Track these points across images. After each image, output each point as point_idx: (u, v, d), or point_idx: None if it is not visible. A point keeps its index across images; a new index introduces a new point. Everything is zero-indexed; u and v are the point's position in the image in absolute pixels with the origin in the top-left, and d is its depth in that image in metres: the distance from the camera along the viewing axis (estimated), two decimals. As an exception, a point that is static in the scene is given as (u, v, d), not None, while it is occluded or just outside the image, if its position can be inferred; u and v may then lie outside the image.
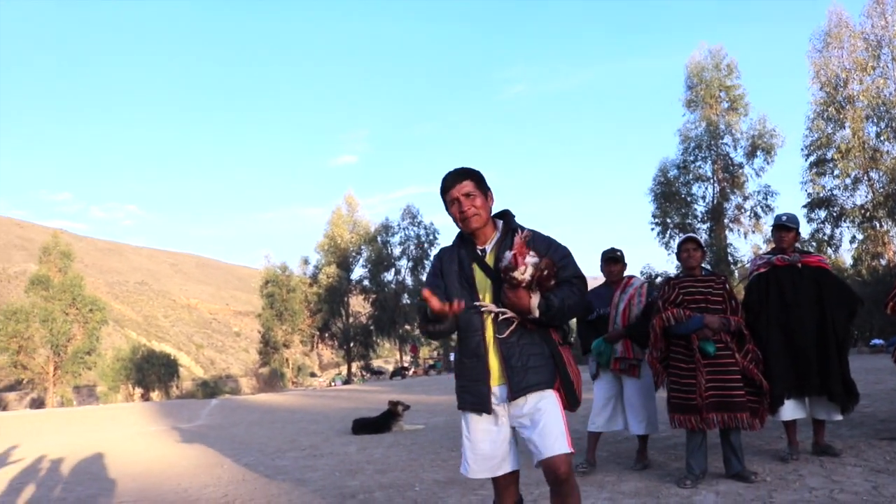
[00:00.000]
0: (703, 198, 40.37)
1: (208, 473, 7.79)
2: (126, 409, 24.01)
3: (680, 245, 5.64)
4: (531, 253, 3.01)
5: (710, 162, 39.56)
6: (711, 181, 39.91)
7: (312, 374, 68.10)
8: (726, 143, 39.40)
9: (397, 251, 58.52)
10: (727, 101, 39.39)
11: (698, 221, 39.77)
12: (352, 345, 58.39)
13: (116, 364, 48.16)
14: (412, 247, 57.97)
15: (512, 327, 3.10)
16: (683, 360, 5.36)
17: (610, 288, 6.32)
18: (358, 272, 59.25)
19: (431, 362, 56.12)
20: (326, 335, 60.23)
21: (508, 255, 3.04)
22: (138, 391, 47.60)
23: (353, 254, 58.46)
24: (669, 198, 39.42)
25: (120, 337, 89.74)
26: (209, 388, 50.83)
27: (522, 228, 3.20)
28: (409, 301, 57.40)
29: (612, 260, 6.28)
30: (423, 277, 56.27)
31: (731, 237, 40.21)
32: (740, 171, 39.36)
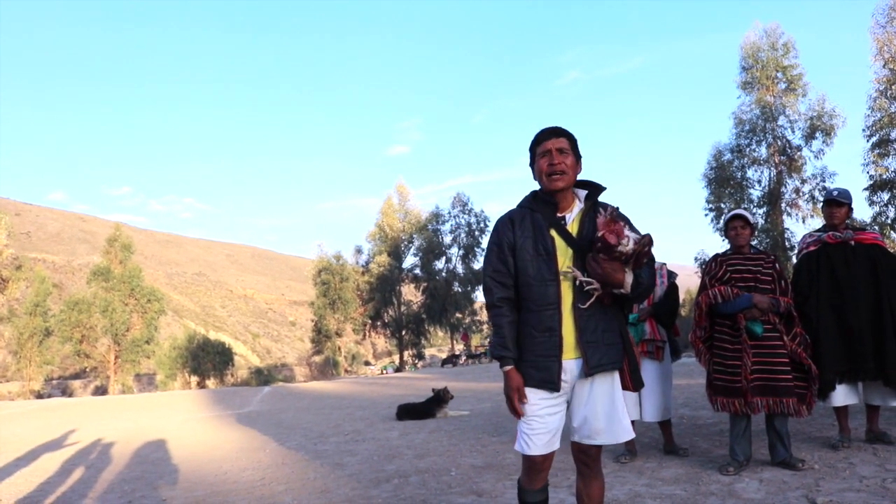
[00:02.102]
0: (759, 182, 39.30)
1: (250, 457, 7.83)
2: (181, 396, 24.47)
3: (727, 222, 5.41)
4: (632, 228, 2.94)
5: (765, 145, 38.49)
6: (767, 165, 38.84)
7: (366, 363, 68.65)
8: (783, 126, 38.26)
9: (448, 239, 58.42)
10: (784, 81, 38.18)
11: (754, 206, 38.73)
12: (403, 333, 58.59)
13: (173, 352, 49.19)
14: (463, 235, 57.80)
15: (592, 299, 2.96)
16: (729, 340, 5.17)
17: None
18: (409, 261, 59.33)
19: (483, 350, 56.03)
20: (378, 324, 60.53)
21: (601, 223, 2.90)
22: (194, 379, 48.55)
23: (405, 242, 58.56)
24: (724, 183, 38.47)
25: (179, 327, 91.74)
26: (263, 376, 51.58)
27: (607, 205, 3.03)
28: (459, 289, 57.35)
29: None
30: (475, 266, 56.55)
31: (789, 222, 39.08)
32: (798, 153, 38.17)
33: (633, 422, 5.92)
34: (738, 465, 5.06)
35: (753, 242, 5.56)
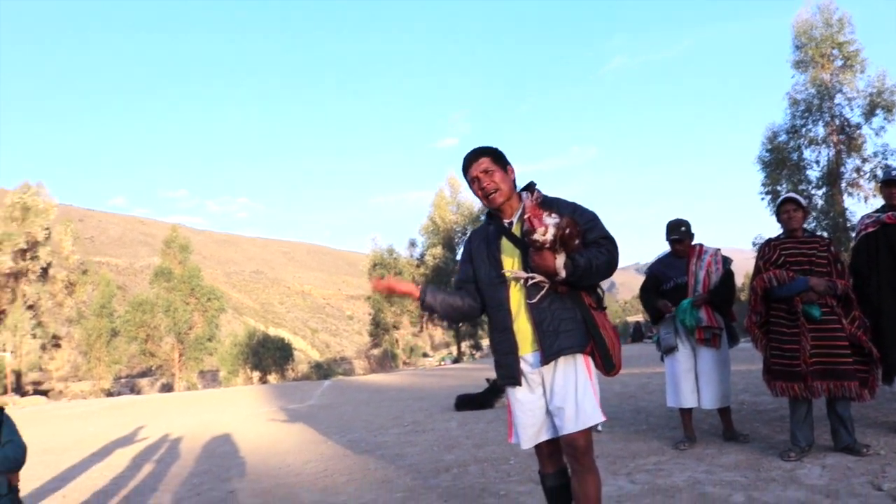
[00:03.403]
0: (817, 162, 38.17)
1: (312, 450, 8.01)
2: (244, 392, 24.99)
3: (779, 206, 5.33)
4: (552, 215, 2.98)
5: (822, 124, 37.42)
6: (825, 144, 37.77)
7: (424, 355, 68.93)
8: (840, 104, 37.13)
9: (500, 230, 58.38)
10: (841, 58, 37.01)
11: (812, 187, 37.69)
12: (460, 324, 58.71)
13: (234, 349, 50.18)
14: (515, 225, 57.74)
15: (542, 292, 3.10)
16: (786, 324, 5.09)
17: (678, 258, 6.07)
18: (461, 252, 59.44)
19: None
20: (435, 316, 60.69)
21: (527, 206, 3.08)
22: (256, 374, 49.47)
23: (458, 234, 58.62)
24: (780, 164, 37.53)
25: (239, 324, 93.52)
26: (323, 370, 52.34)
27: (533, 192, 3.24)
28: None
29: (678, 240, 6.02)
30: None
31: (850, 202, 37.92)
32: (857, 131, 37.03)
33: (690, 409, 5.92)
34: (800, 451, 5.01)
35: (812, 225, 5.46)
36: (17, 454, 2.67)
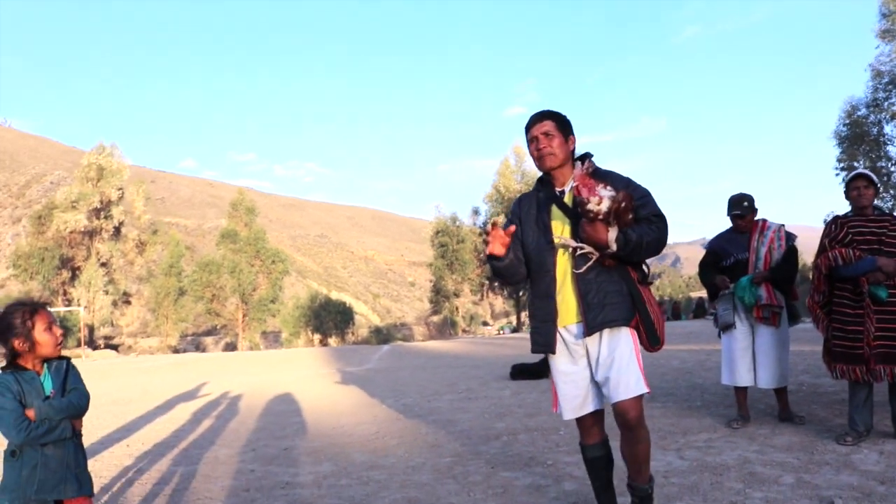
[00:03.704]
0: (899, 138, 36.79)
1: (366, 412, 8.15)
2: (304, 353, 25.50)
3: (849, 182, 5.14)
4: (607, 187, 2.97)
5: (907, 98, 35.86)
6: (909, 119, 36.23)
7: (484, 323, 69.17)
8: (928, 76, 35.50)
9: (565, 200, 57.83)
10: (931, 28, 35.36)
11: (892, 164, 36.30)
12: (521, 294, 58.62)
13: (296, 312, 51.14)
14: (578, 195, 57.11)
15: (590, 263, 3.09)
16: (850, 305, 4.94)
17: (739, 233, 5.90)
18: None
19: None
20: (496, 284, 60.75)
21: (576, 175, 3.09)
22: (317, 337, 50.39)
23: (524, 203, 58.36)
24: (857, 140, 36.16)
25: (302, 287, 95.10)
26: (382, 335, 52.97)
27: (585, 160, 3.21)
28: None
29: (739, 216, 5.84)
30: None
31: (932, 180, 36.50)
32: (944, 106, 35.43)
33: (746, 388, 5.81)
34: (858, 436, 4.88)
35: (890, 203, 5.26)
36: (80, 402, 2.80)
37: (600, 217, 2.96)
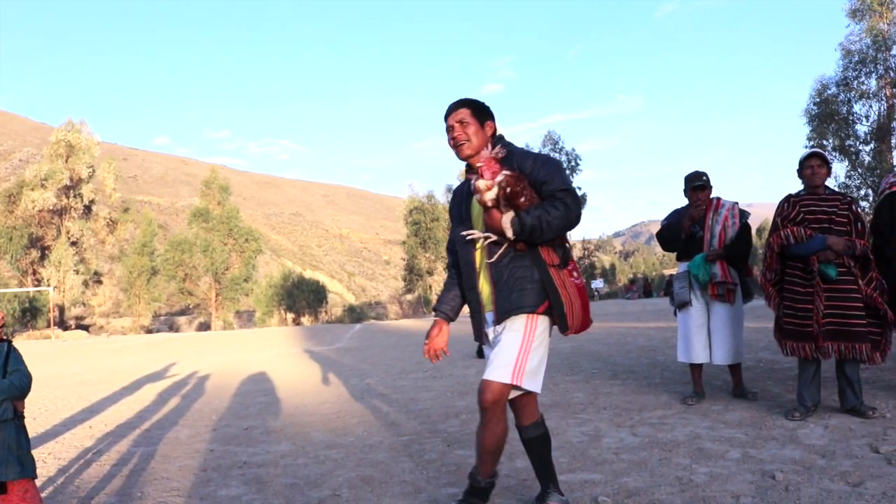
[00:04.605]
0: (867, 117, 37.01)
1: (330, 391, 8.18)
2: (276, 333, 25.48)
3: (803, 161, 5.18)
4: (502, 171, 2.97)
5: (875, 77, 36.16)
6: (877, 98, 36.56)
7: (457, 302, 69.11)
8: (896, 56, 35.83)
9: (540, 178, 57.82)
10: (900, 7, 35.62)
11: (860, 143, 36.63)
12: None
13: (269, 291, 50.91)
14: (554, 174, 57.15)
15: (500, 251, 3.09)
16: (800, 283, 5.03)
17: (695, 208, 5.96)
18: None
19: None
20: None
21: (483, 158, 3.06)
22: (290, 316, 50.25)
23: (496, 182, 58.34)
24: (827, 118, 36.47)
25: (277, 266, 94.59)
26: (355, 314, 52.87)
27: (502, 148, 3.14)
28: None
29: (700, 188, 5.90)
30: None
31: (899, 159, 36.94)
32: (912, 85, 35.79)
33: (701, 365, 5.90)
34: (806, 411, 5.00)
35: (858, 181, 5.33)
36: (22, 383, 2.80)
37: (490, 204, 2.97)
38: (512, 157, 3.15)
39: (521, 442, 3.42)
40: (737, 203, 5.91)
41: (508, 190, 2.93)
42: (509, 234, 2.97)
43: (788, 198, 5.27)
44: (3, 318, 2.80)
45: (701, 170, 6.03)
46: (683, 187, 6.01)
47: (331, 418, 6.43)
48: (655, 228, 6.55)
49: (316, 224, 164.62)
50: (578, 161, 56.58)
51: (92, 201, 51.29)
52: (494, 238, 3.08)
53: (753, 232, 5.65)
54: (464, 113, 3.24)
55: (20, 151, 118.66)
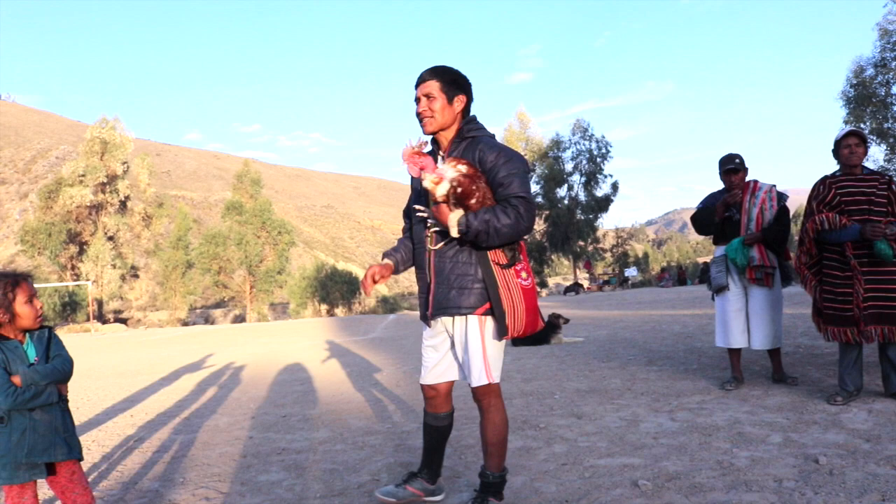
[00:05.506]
0: (906, 98, 36.34)
1: (367, 379, 8.22)
2: (311, 324, 25.66)
3: (839, 140, 5.03)
4: (458, 165, 2.87)
5: (915, 57, 35.36)
6: (917, 79, 35.76)
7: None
8: (937, 35, 34.94)
9: (569, 167, 57.53)
10: (939, -16, 34.74)
11: (899, 124, 35.94)
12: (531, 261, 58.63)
13: (302, 283, 51.32)
14: (584, 162, 56.78)
15: (444, 241, 3.03)
16: (839, 267, 4.93)
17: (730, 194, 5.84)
18: (531, 189, 58.84)
19: (606, 278, 55.61)
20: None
21: (403, 153, 2.97)
22: (324, 307, 50.60)
23: (526, 171, 58.02)
24: (865, 101, 35.78)
25: (310, 258, 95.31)
26: (389, 305, 53.12)
27: (477, 130, 3.11)
28: (582, 217, 56.71)
29: (733, 170, 5.79)
30: (597, 193, 55.63)
31: (938, 140, 36.14)
32: (953, 65, 34.92)
33: (739, 350, 5.83)
34: (848, 396, 4.92)
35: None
36: (64, 367, 2.87)
37: (439, 199, 2.86)
38: (476, 144, 3.05)
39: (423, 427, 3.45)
40: (774, 186, 5.81)
41: (460, 190, 2.84)
42: (453, 232, 2.88)
43: (824, 179, 5.14)
44: (41, 308, 2.86)
45: (735, 153, 5.94)
46: (718, 171, 5.92)
47: (367, 406, 6.47)
48: (688, 216, 6.46)
49: (347, 216, 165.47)
50: (609, 149, 56.25)
51: (127, 197, 52.09)
52: (440, 227, 3.00)
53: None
54: (432, 86, 3.07)
55: (57, 149, 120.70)
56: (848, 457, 3.68)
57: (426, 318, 3.20)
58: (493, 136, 3.17)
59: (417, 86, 3.12)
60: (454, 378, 3.26)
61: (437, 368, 3.25)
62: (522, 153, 57.83)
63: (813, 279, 5.11)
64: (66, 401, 2.93)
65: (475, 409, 3.35)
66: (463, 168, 2.87)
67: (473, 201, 2.86)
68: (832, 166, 5.20)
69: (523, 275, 3.06)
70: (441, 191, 2.84)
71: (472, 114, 3.22)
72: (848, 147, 4.97)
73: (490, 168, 2.95)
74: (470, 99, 3.17)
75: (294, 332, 20.72)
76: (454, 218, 2.85)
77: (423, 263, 3.16)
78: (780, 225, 5.67)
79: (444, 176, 2.84)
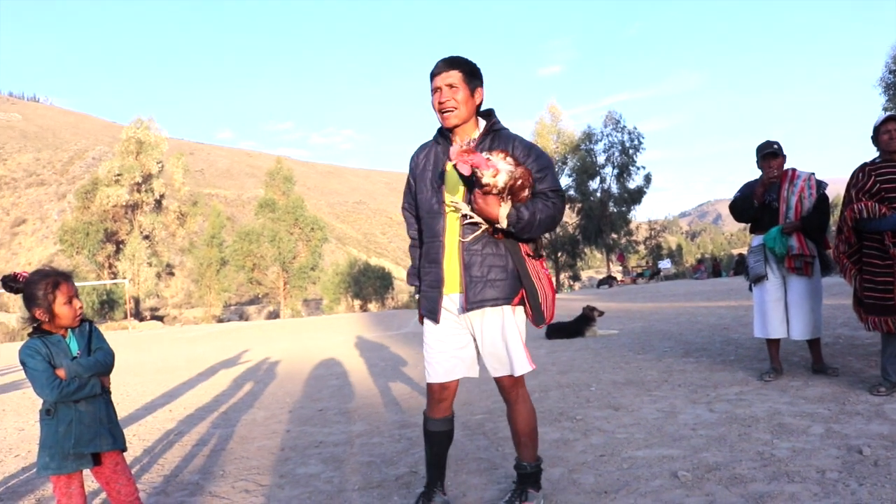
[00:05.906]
0: (947, 84, 35.55)
1: (401, 374, 8.26)
2: (344, 319, 25.81)
3: (878, 126, 4.92)
4: (507, 158, 2.83)
5: (955, 41, 34.53)
6: (957, 64, 34.97)
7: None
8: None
9: (601, 159, 57.05)
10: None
11: (940, 111, 35.13)
12: (559, 255, 58.39)
13: (336, 278, 51.66)
14: (616, 154, 56.23)
15: (477, 233, 2.97)
16: (879, 255, 4.83)
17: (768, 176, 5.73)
18: (563, 182, 58.40)
19: (639, 271, 55.14)
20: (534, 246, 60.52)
21: (453, 153, 2.84)
22: (357, 303, 50.87)
23: (558, 164, 57.74)
24: (904, 86, 35.13)
25: (342, 254, 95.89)
26: (422, 300, 53.26)
27: (500, 133, 3.05)
28: (615, 209, 56.26)
29: (772, 155, 5.66)
30: (630, 185, 55.19)
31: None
32: None
33: (778, 340, 5.74)
34: (891, 386, 4.82)
35: None
36: (106, 359, 2.92)
37: (494, 191, 2.83)
38: (507, 138, 3.02)
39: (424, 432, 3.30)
40: (813, 174, 5.70)
41: (519, 182, 2.83)
42: (504, 224, 2.86)
43: (863, 166, 5.04)
44: (81, 307, 2.91)
45: (773, 139, 5.85)
46: (756, 158, 5.83)
47: (403, 399, 6.50)
48: (722, 207, 6.40)
49: (379, 212, 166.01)
50: (641, 140, 55.67)
51: (162, 195, 52.78)
52: (478, 219, 2.94)
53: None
54: (455, 76, 2.98)
55: (93, 150, 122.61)
56: (893, 448, 3.61)
57: (434, 315, 3.10)
58: (514, 133, 3.13)
59: (436, 75, 3.02)
60: (463, 375, 3.15)
61: (448, 364, 3.11)
62: (554, 146, 57.64)
63: (853, 268, 5.01)
64: (109, 392, 2.98)
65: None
66: (512, 161, 2.86)
67: (526, 193, 2.88)
68: (871, 154, 5.10)
69: (546, 264, 3.14)
70: (500, 182, 2.82)
71: (489, 107, 3.18)
72: (888, 133, 4.86)
73: (523, 163, 2.94)
74: (483, 92, 3.14)
75: (328, 327, 20.85)
76: (505, 210, 2.85)
77: (437, 258, 3.07)
78: (819, 213, 5.57)
79: (500, 169, 2.81)
